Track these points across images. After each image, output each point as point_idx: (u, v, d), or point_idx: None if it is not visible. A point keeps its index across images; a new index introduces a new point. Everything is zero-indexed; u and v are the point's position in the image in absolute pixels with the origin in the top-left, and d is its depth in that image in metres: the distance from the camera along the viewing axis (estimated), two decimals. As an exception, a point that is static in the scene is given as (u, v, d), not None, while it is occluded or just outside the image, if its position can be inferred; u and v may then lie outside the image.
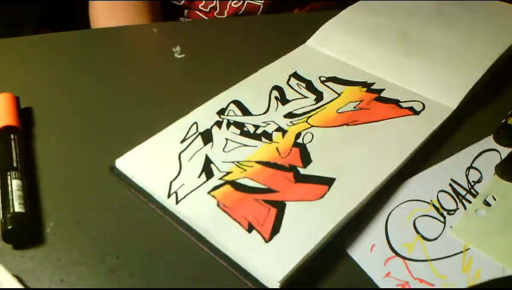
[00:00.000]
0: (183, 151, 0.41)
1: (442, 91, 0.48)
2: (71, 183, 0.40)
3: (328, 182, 0.38)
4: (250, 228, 0.35)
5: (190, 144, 0.41)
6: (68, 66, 0.54)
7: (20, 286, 0.32)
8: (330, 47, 0.54)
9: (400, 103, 0.47)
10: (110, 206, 0.38)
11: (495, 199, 0.39)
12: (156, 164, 0.40)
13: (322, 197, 0.37)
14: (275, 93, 0.48)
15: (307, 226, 0.35)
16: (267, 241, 0.34)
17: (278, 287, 0.32)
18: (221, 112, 0.45)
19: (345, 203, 0.37)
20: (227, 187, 0.38)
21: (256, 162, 0.40)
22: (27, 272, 0.34)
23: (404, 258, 0.35)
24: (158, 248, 0.36)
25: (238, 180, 0.38)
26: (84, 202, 0.39)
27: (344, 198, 0.37)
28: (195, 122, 0.43)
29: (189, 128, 0.43)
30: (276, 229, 0.35)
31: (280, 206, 0.36)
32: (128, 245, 0.36)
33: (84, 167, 0.41)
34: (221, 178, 0.39)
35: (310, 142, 0.42)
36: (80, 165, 0.42)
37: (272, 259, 0.33)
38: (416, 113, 0.46)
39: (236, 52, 0.56)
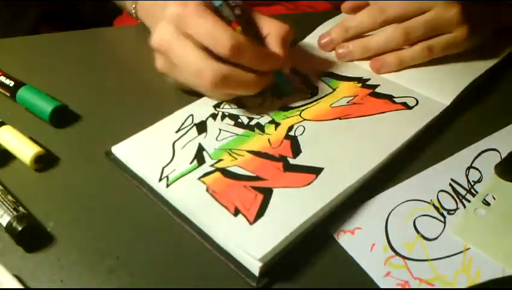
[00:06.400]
0: (177, 140, 0.42)
1: (437, 88, 0.48)
2: (71, 183, 0.40)
3: (316, 171, 0.39)
4: (236, 212, 0.35)
5: (184, 134, 0.42)
6: (69, 66, 0.54)
7: (20, 286, 0.32)
8: None
9: (394, 99, 0.47)
10: (110, 207, 0.38)
11: (494, 199, 0.39)
12: (150, 150, 0.41)
13: (309, 184, 0.38)
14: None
15: (291, 209, 0.36)
16: (251, 224, 0.35)
17: (259, 266, 0.33)
18: (217, 105, 0.46)
19: (330, 189, 0.37)
20: (218, 174, 0.39)
21: (248, 151, 0.41)
22: (27, 272, 0.34)
23: (404, 257, 0.35)
24: (158, 248, 0.36)
25: (228, 168, 0.39)
26: (84, 202, 0.39)
27: (330, 185, 0.38)
28: (191, 115, 0.44)
29: (185, 120, 0.44)
30: (261, 213, 0.35)
31: (267, 192, 0.37)
32: (128, 245, 0.36)
33: (84, 167, 0.41)
34: (212, 165, 0.39)
35: (301, 134, 0.43)
36: (80, 165, 0.42)
37: (253, 239, 0.34)
38: (409, 108, 0.46)
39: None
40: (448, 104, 0.46)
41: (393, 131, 0.43)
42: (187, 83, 0.44)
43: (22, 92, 0.46)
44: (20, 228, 0.34)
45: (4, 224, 0.35)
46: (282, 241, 0.34)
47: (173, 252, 0.35)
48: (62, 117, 0.45)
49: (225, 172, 0.39)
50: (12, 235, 0.35)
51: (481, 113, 0.48)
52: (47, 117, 0.44)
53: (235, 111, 0.45)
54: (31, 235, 0.35)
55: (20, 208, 0.36)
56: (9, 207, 0.36)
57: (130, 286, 0.33)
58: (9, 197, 0.37)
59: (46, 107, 0.44)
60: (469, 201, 0.39)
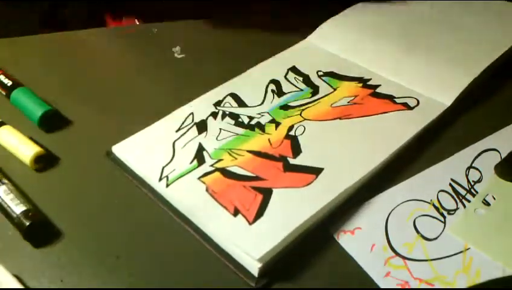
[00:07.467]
0: (177, 139, 0.42)
1: (438, 88, 0.48)
2: (71, 183, 0.40)
3: (316, 171, 0.39)
4: (235, 212, 0.35)
5: (185, 133, 0.42)
6: (69, 65, 0.54)
7: (20, 286, 0.32)
8: (330, 43, 0.54)
9: (395, 99, 0.47)
10: (110, 206, 0.38)
11: (494, 199, 0.39)
12: (150, 150, 0.41)
13: (309, 184, 0.38)
14: (272, 86, 0.49)
15: (290, 209, 0.36)
16: (250, 224, 0.35)
17: (258, 266, 0.32)
18: (217, 104, 0.46)
19: (330, 190, 0.37)
20: (217, 174, 0.39)
21: (248, 151, 0.41)
22: (27, 272, 0.34)
23: (404, 258, 0.35)
24: (158, 248, 0.36)
25: (228, 168, 0.39)
26: (84, 202, 0.39)
27: (330, 185, 0.38)
28: (192, 113, 0.44)
29: (185, 119, 0.44)
30: (260, 213, 0.35)
31: (267, 192, 0.37)
32: (128, 245, 0.36)
33: (84, 167, 0.41)
34: (212, 165, 0.39)
35: (301, 134, 0.43)
36: (80, 164, 0.42)
37: (252, 239, 0.34)
38: (410, 108, 0.46)
39: (236, 51, 0.56)
40: (449, 104, 0.46)
41: (394, 131, 0.43)
42: None
43: (15, 94, 0.46)
44: (29, 222, 0.35)
45: (17, 213, 0.35)
46: (282, 242, 0.34)
47: (173, 252, 0.35)
48: (53, 121, 0.45)
49: (225, 172, 0.39)
50: (20, 229, 0.35)
51: (481, 113, 0.48)
52: (37, 123, 0.44)
53: (235, 110, 0.45)
54: (38, 232, 0.35)
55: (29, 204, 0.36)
56: (20, 200, 0.36)
57: (130, 286, 0.33)
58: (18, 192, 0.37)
59: (36, 112, 0.44)
60: (469, 201, 0.39)
